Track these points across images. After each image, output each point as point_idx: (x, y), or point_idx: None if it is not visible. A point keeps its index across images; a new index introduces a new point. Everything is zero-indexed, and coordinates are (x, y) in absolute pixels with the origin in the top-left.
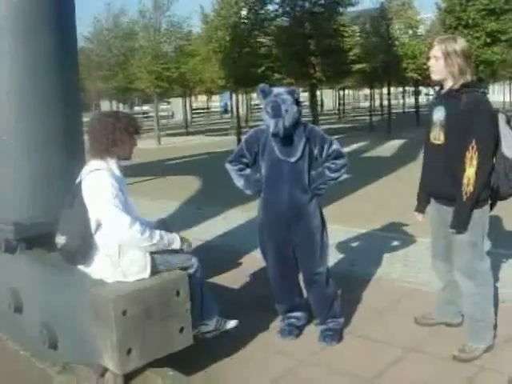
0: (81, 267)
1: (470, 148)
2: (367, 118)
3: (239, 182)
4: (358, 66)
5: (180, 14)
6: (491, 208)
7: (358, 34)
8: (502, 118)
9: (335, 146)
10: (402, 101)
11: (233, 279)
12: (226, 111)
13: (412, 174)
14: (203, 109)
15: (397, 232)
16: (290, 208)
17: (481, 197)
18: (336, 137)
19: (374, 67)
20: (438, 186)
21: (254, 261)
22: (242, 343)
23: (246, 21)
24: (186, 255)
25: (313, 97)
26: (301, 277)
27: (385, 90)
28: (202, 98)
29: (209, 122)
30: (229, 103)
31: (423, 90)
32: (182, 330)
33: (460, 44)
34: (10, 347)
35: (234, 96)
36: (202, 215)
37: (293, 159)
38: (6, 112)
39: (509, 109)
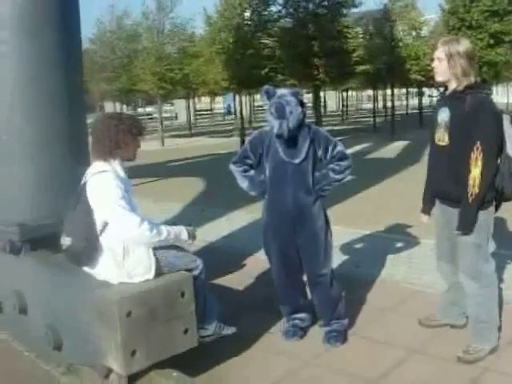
0: (86, 268)
1: (475, 149)
2: (370, 119)
3: (243, 184)
4: (361, 68)
5: (183, 16)
6: (496, 209)
7: (361, 36)
8: (506, 119)
9: (339, 148)
10: (405, 102)
11: (237, 281)
12: (229, 112)
13: (415, 175)
14: (206, 110)
15: (401, 233)
16: (294, 209)
17: (486, 198)
18: (339, 138)
19: (378, 68)
20: (443, 187)
21: (258, 262)
22: (246, 344)
23: (249, 22)
24: (191, 257)
25: (316, 98)
26: (305, 278)
27: (388, 92)
28: (206, 99)
29: (212, 123)
30: (232, 105)
31: (426, 91)
32: (186, 331)
33: (463, 45)
34: (14, 348)
35: (237, 97)
36: (205, 217)
37: (297, 160)
38: (10, 112)
39: None
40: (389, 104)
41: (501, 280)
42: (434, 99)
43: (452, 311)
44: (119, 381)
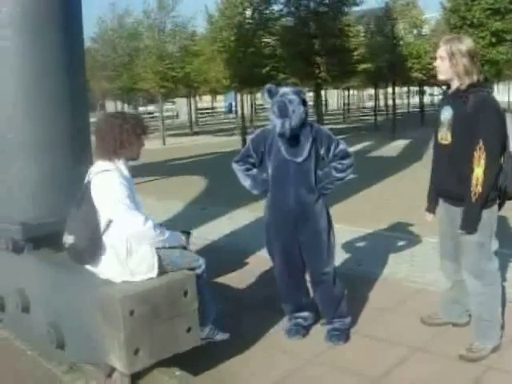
0: (88, 267)
1: (478, 148)
2: (372, 117)
3: (246, 182)
4: (362, 66)
5: (185, 15)
6: (499, 208)
7: (362, 34)
8: (509, 117)
9: (342, 146)
10: (406, 100)
11: (239, 279)
12: (230, 111)
13: (417, 173)
14: (208, 109)
15: (403, 232)
16: (296, 208)
17: (489, 197)
18: (341, 137)
19: (379, 67)
20: (446, 185)
21: (260, 261)
22: (249, 343)
23: (250, 21)
24: (194, 256)
25: (318, 97)
26: (307, 277)
27: (390, 90)
28: (207, 98)
29: (214, 122)
30: (233, 103)
31: (427, 89)
32: (189, 330)
33: (465, 44)
34: (17, 346)
35: (238, 96)
36: (207, 215)
37: (299, 159)
38: (13, 112)
39: None
40: (390, 102)
41: (504, 278)
42: (436, 98)
43: (454, 309)
44: (122, 379)
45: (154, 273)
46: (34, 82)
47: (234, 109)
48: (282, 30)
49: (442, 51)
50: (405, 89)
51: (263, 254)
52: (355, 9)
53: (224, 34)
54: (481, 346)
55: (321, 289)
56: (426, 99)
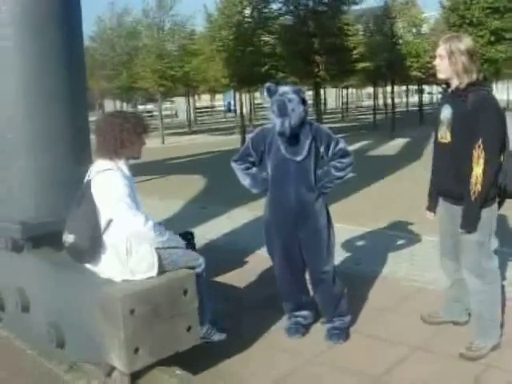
0: (88, 266)
1: (477, 147)
2: (370, 116)
3: (245, 181)
4: (361, 65)
5: (184, 13)
6: (499, 207)
7: (361, 33)
8: (509, 116)
9: (341, 145)
10: (405, 99)
11: (238, 278)
12: (229, 110)
13: (416, 172)
14: (207, 108)
15: (402, 230)
16: (296, 206)
17: (489, 196)
18: (339, 135)
19: (378, 66)
20: (446, 184)
21: (260, 260)
22: (249, 341)
23: (249, 20)
24: (194, 255)
25: (317, 95)
26: (307, 275)
27: (388, 89)
28: (206, 97)
29: (212, 121)
30: (232, 102)
31: (426, 88)
32: (189, 328)
33: (464, 42)
34: (17, 346)
35: (237, 95)
36: (206, 214)
37: (299, 158)
38: (13, 111)
39: None
40: (389, 101)
41: (504, 277)
42: (434, 96)
43: (455, 308)
44: (122, 378)
45: (154, 272)
46: (34, 82)
47: (232, 108)
48: (281, 29)
49: (441, 50)
50: (404, 87)
51: (262, 252)
52: (354, 8)
53: (223, 32)
54: (481, 345)
55: (321, 287)
56: (425, 98)
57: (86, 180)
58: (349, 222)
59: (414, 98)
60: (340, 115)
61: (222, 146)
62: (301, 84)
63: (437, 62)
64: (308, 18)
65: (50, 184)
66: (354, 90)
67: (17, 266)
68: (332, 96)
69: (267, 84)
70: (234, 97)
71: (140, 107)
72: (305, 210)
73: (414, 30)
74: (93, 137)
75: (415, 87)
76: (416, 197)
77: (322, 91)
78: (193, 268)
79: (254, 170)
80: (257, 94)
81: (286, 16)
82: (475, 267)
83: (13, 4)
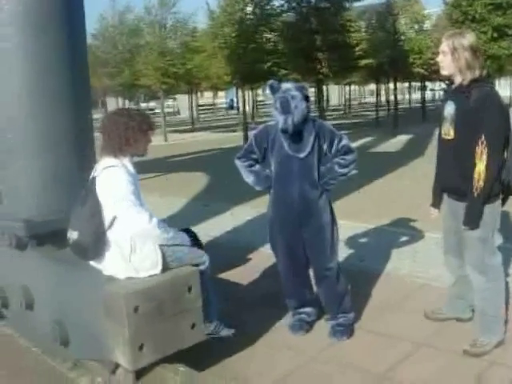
0: (92, 263)
1: (480, 143)
2: (373, 113)
3: (249, 178)
4: (364, 62)
5: (185, 11)
6: (503, 203)
7: (364, 30)
8: None
9: (344, 142)
10: (407, 96)
11: (242, 275)
12: (231, 107)
13: (419, 169)
14: (209, 105)
15: (405, 227)
16: (300, 203)
17: (492, 192)
18: (342, 132)
19: (381, 62)
20: (449, 180)
21: (263, 257)
22: (253, 338)
23: (251, 17)
24: (198, 252)
25: (319, 92)
26: (311, 272)
27: (391, 86)
28: (208, 94)
29: (215, 118)
30: (235, 99)
31: (429, 85)
32: (193, 326)
33: (468, 39)
34: (21, 344)
35: (240, 92)
36: (209, 211)
37: (302, 155)
38: (16, 110)
39: None
40: (391, 98)
41: (507, 274)
42: (437, 93)
43: (458, 305)
44: (126, 375)
45: (158, 269)
46: (37, 81)
47: (235, 105)
48: (283, 26)
49: (444, 46)
50: (406, 84)
51: (266, 250)
52: (356, 4)
53: (225, 30)
54: (485, 342)
55: (324, 284)
56: (428, 95)
57: (91, 177)
58: (352, 218)
59: (417, 95)
60: (342, 112)
61: (225, 144)
62: (303, 81)
63: (440, 58)
64: (310, 14)
65: (54, 182)
66: (357, 87)
67: (21, 264)
68: (334, 93)
69: (270, 81)
70: (237, 94)
71: (142, 105)
72: (308, 207)
73: (417, 27)
74: (97, 135)
75: (418, 84)
76: (419, 194)
77: (324, 88)
78: (197, 265)
79: (258, 167)
80: (259, 91)
81: (288, 13)
82: (478, 264)
83: (15, 3)
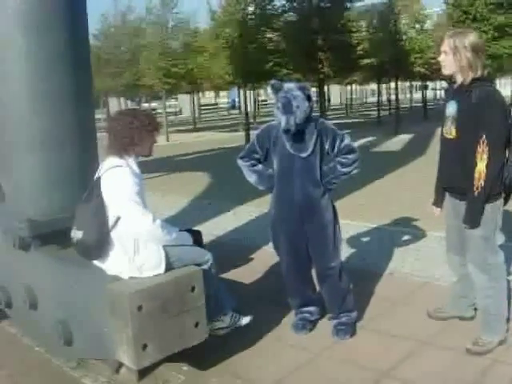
0: (96, 262)
1: (481, 142)
2: (374, 112)
3: (251, 178)
4: (365, 61)
5: (187, 11)
6: (505, 202)
7: (365, 29)
8: None
9: (347, 141)
10: (409, 95)
11: (244, 274)
12: (233, 107)
13: (421, 168)
14: (211, 105)
15: (407, 226)
16: (302, 203)
17: (493, 191)
18: (344, 132)
19: (382, 62)
20: (451, 179)
21: (266, 256)
22: (256, 338)
23: (253, 16)
24: (200, 251)
25: (321, 92)
26: (314, 271)
27: (392, 85)
28: (210, 94)
29: (217, 118)
30: (237, 99)
31: (430, 84)
32: (197, 325)
33: (469, 38)
34: (24, 343)
35: (241, 92)
36: (212, 211)
37: (304, 154)
38: (20, 110)
39: None
40: (393, 97)
41: (509, 272)
42: (438, 92)
43: (461, 303)
44: (130, 375)
45: (162, 269)
46: (40, 81)
47: (237, 105)
48: (284, 26)
49: (445, 46)
50: (407, 83)
51: (268, 249)
52: (358, 4)
53: (227, 30)
54: (487, 340)
55: (327, 283)
56: (429, 94)
57: (96, 177)
58: (354, 217)
59: (418, 94)
60: (344, 111)
61: (227, 143)
62: (305, 80)
63: (441, 57)
64: (312, 14)
65: (57, 182)
66: (358, 87)
67: (24, 264)
68: (336, 93)
69: (272, 81)
70: (239, 94)
71: (144, 105)
72: (311, 206)
73: (418, 26)
74: (100, 135)
75: (419, 83)
76: (421, 192)
77: (325, 88)
78: (200, 265)
79: (260, 166)
80: (261, 91)
81: (290, 13)
82: (480, 262)
83: (18, 2)
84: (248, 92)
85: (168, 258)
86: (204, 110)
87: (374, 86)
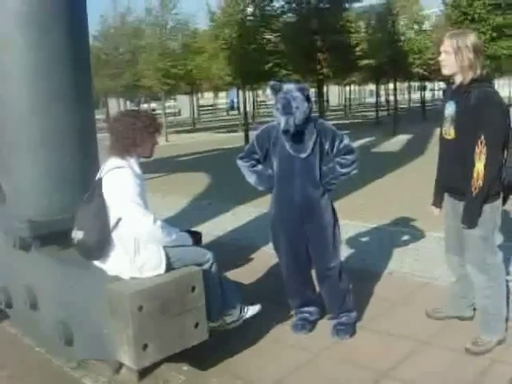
0: (96, 263)
1: (479, 143)
2: (373, 113)
3: (251, 178)
4: (364, 62)
5: (186, 12)
6: (504, 202)
7: (363, 30)
8: None
9: (346, 142)
10: (407, 96)
11: (244, 274)
12: (232, 108)
13: (419, 168)
14: (210, 106)
15: (406, 226)
16: (302, 203)
17: (492, 191)
18: (343, 132)
19: (381, 62)
20: (450, 180)
21: (265, 256)
22: (255, 338)
23: (252, 17)
24: (201, 251)
25: (320, 93)
26: (313, 271)
27: (391, 86)
28: (209, 95)
29: (216, 118)
30: (236, 100)
31: (428, 85)
32: (197, 325)
33: (470, 39)
34: (25, 343)
35: (240, 93)
36: (211, 211)
37: (303, 155)
38: (20, 110)
39: None
40: (391, 98)
41: (508, 272)
42: (436, 93)
43: (460, 303)
44: (130, 375)
45: (162, 270)
46: (41, 81)
47: (236, 106)
48: (283, 27)
49: (447, 46)
50: (405, 84)
51: (268, 249)
52: (356, 5)
53: (226, 31)
54: (486, 340)
55: (327, 283)
56: (428, 94)
57: (97, 177)
58: (353, 218)
59: (416, 95)
60: (343, 112)
61: (226, 144)
62: (304, 81)
63: (442, 57)
64: (310, 15)
65: (57, 183)
66: (357, 87)
67: (25, 264)
68: (334, 93)
69: (271, 82)
70: (238, 95)
71: (144, 105)
72: (310, 207)
73: (416, 27)
74: (99, 136)
75: (417, 84)
76: (420, 192)
77: (324, 88)
78: (200, 265)
79: (260, 167)
80: (259, 92)
81: (289, 14)
82: (479, 262)
83: (19, 3)
84: (247, 93)
85: (168, 258)
86: (203, 110)
87: (372, 86)
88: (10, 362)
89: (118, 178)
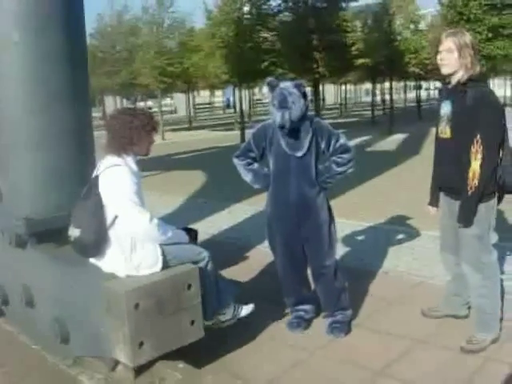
0: (93, 260)
1: (475, 142)
2: (369, 112)
3: (247, 177)
4: (360, 61)
5: (183, 10)
6: (499, 202)
7: (360, 29)
8: (509, 112)
9: (342, 141)
10: (403, 95)
11: (240, 272)
12: (228, 106)
13: (415, 167)
14: (206, 104)
15: (402, 225)
16: (298, 202)
17: (487, 190)
18: (339, 131)
19: (377, 62)
20: (446, 179)
21: (261, 254)
22: (251, 336)
23: (248, 16)
24: (197, 249)
25: (316, 91)
26: (309, 270)
27: (387, 85)
28: (205, 93)
29: (212, 117)
30: (232, 98)
31: (424, 84)
32: (193, 322)
33: (468, 37)
34: (21, 341)
35: (237, 91)
36: (207, 209)
37: (299, 154)
38: (17, 108)
39: (509, 103)
40: (387, 97)
41: (503, 271)
42: (432, 92)
43: (455, 302)
44: (126, 372)
45: (158, 267)
46: (38, 79)
47: (232, 104)
48: (280, 26)
49: (450, 44)
50: (401, 83)
51: (263, 247)
52: (353, 4)
53: (222, 29)
54: (481, 338)
55: (322, 282)
56: (423, 94)
57: (94, 175)
58: (349, 216)
59: (412, 94)
60: (338, 111)
61: (222, 142)
62: (300, 78)
63: (443, 56)
64: (307, 14)
65: (54, 180)
66: (352, 87)
67: (21, 262)
68: (330, 92)
69: (268, 78)
70: (234, 93)
71: (140, 103)
72: (306, 205)
73: (412, 27)
74: (96, 134)
75: (413, 83)
76: (415, 191)
77: (320, 87)
78: (196, 262)
79: (256, 165)
80: (256, 90)
81: (285, 13)
82: (474, 261)
83: (16, 3)
84: (243, 91)
85: (164, 256)
86: (199, 108)
87: (368, 85)
88: (6, 359)
89: (115, 176)
